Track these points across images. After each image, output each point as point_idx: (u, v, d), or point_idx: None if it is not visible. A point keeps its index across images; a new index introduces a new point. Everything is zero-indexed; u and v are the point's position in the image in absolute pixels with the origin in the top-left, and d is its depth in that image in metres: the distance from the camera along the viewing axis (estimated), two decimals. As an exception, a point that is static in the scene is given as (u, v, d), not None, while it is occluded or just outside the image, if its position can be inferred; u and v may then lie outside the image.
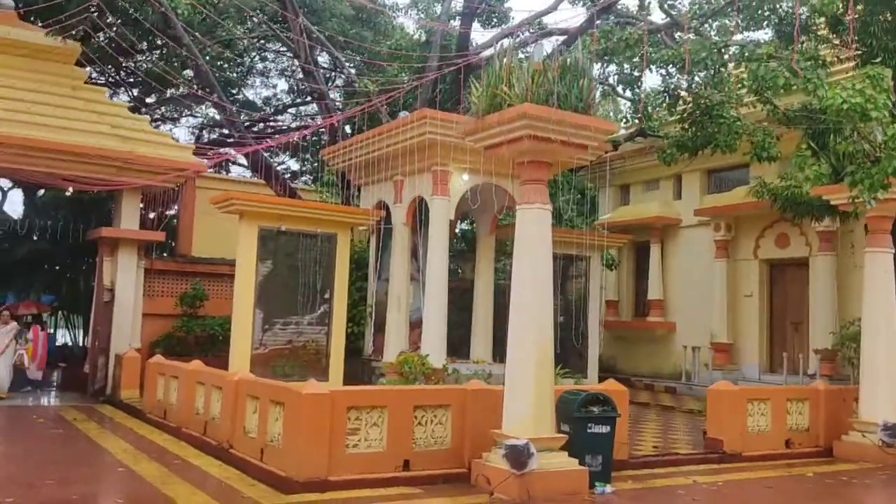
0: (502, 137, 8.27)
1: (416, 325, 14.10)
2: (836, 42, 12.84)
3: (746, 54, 11.02)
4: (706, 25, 14.28)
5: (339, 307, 13.34)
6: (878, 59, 10.72)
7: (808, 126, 12.68)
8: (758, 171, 16.16)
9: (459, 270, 21.38)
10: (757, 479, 9.52)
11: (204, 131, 28.31)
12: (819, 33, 13.05)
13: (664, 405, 16.66)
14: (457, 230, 19.77)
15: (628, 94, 19.41)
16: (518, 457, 7.73)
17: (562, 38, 16.58)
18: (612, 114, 23.10)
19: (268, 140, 18.20)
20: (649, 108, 18.74)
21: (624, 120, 21.08)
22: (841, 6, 11.15)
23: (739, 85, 14.45)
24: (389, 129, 13.07)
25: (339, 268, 13.35)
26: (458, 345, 15.06)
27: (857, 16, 12.08)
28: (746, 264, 18.16)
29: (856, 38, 12.30)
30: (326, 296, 13.30)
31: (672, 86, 12.51)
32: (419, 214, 13.77)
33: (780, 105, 13.74)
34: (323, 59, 24.24)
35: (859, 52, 12.45)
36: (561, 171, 14.76)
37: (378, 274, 15.09)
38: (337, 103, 22.33)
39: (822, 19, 12.96)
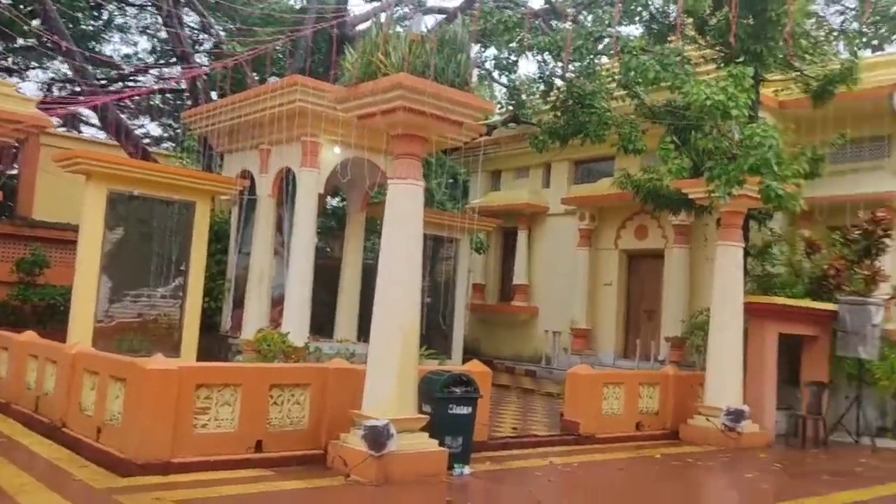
0: (376, 107, 7.94)
1: (277, 302, 13.54)
2: (702, 43, 13.36)
3: (620, 46, 11.23)
4: (582, 15, 14.48)
5: (195, 280, 12.61)
6: (740, 61, 11.19)
7: (671, 122, 13.17)
8: (622, 164, 16.66)
9: (328, 248, 20.88)
10: (609, 461, 9.77)
11: (54, 87, 26.11)
12: (687, 33, 13.52)
13: (524, 388, 16.99)
14: (326, 206, 19.25)
15: (504, 79, 19.57)
16: (377, 438, 7.49)
17: (441, 16, 16.38)
18: (487, 98, 23.07)
19: (121, 93, 16.87)
20: (524, 96, 18.99)
21: (499, 105, 21.24)
22: (708, 8, 11.57)
23: (609, 78, 14.85)
24: (257, 95, 12.40)
25: (196, 238, 12.60)
26: (322, 324, 14.64)
27: (722, 18, 12.62)
28: (607, 254, 18.76)
29: (720, 39, 12.86)
30: (182, 268, 12.52)
31: (547, 73, 12.60)
32: (286, 186, 13.19)
33: (646, 100, 14.20)
34: (191, 19, 22.90)
35: (723, 54, 13.02)
36: (434, 151, 14.64)
37: (239, 247, 14.39)
38: (203, 67, 21.15)
39: (691, 20, 13.45)
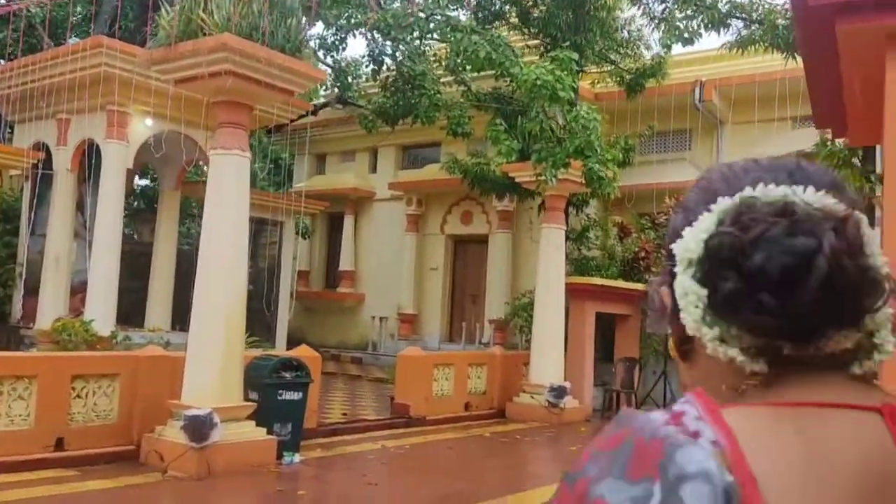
0: (198, 70, 7.28)
1: (78, 289, 12.26)
2: (525, 32, 13.69)
3: (452, 25, 11.20)
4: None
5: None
6: (563, 49, 11.53)
7: (498, 107, 13.38)
8: (449, 150, 16.79)
9: (135, 234, 19.36)
10: (440, 441, 9.74)
11: None
12: (511, 21, 13.79)
13: (351, 374, 16.68)
14: (135, 186, 17.84)
15: (329, 60, 19.07)
16: (199, 428, 6.91)
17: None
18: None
19: None
20: (350, 78, 18.60)
21: (324, 88, 20.70)
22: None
23: (437, 63, 14.87)
24: (54, 57, 11.07)
25: (-20, 217, 11.11)
26: (131, 313, 13.49)
27: (544, 9, 12.98)
28: (434, 239, 18.87)
29: (542, 30, 13.24)
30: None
31: (377, 52, 12.34)
32: (88, 160, 11.95)
33: (472, 87, 14.35)
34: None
35: (545, 43, 13.40)
36: (256, 130, 13.92)
37: (32, 228, 12.86)
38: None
39: (515, 9, 13.75)
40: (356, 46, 25.90)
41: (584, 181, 11.37)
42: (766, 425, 0.60)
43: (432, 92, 12.90)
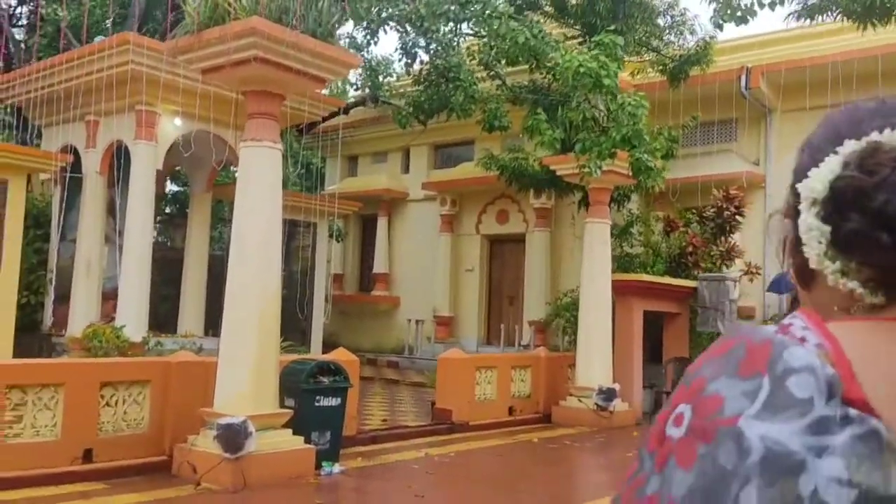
0: (225, 58, 6.88)
1: (110, 296, 11.97)
2: (562, 21, 13.15)
3: (487, 13, 10.69)
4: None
5: (8, 272, 10.85)
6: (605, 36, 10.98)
7: (535, 99, 12.85)
8: (484, 147, 16.29)
9: (168, 240, 19.16)
10: (486, 448, 9.23)
11: None
12: (547, 10, 13.27)
13: (388, 379, 16.22)
14: (167, 191, 17.60)
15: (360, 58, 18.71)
16: (234, 438, 6.49)
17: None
18: (339, 83, 22.37)
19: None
20: (381, 77, 18.23)
21: (354, 87, 20.39)
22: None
23: (471, 57, 14.40)
24: (81, 56, 10.78)
25: (10, 224, 10.85)
26: (164, 321, 13.23)
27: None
28: (469, 239, 18.38)
29: (580, 18, 12.69)
30: (-8, 256, 10.75)
31: (409, 44, 11.89)
32: (118, 163, 11.65)
33: (507, 81, 13.84)
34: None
35: (583, 32, 12.85)
36: (288, 129, 13.57)
37: (62, 234, 12.62)
38: (19, 38, 18.74)
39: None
40: (387, 44, 25.56)
41: (630, 172, 10.79)
42: (868, 335, 0.66)
43: (468, 84, 12.41)
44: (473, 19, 10.50)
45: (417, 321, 17.90)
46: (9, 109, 12.99)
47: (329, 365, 7.65)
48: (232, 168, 13.63)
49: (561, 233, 16.77)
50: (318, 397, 7.37)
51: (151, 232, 11.17)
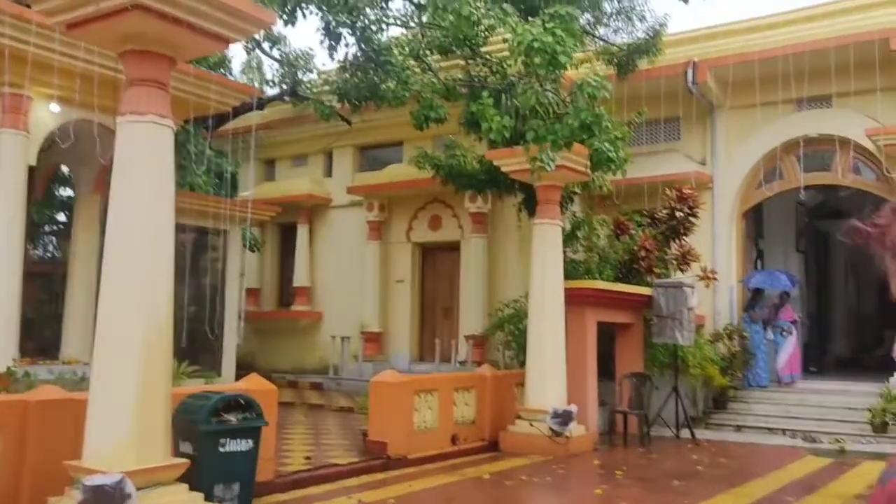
0: (95, 6, 5.29)
1: (-23, 316, 10.00)
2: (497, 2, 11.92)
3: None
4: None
5: None
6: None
7: (472, 94, 11.55)
8: (414, 148, 14.96)
9: (55, 252, 17.05)
10: (431, 490, 7.80)
11: None
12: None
13: (312, 403, 14.58)
14: (55, 194, 15.57)
15: (276, 53, 17.12)
16: (106, 503, 4.87)
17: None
18: (255, 82, 20.73)
19: None
20: (299, 73, 16.69)
21: (270, 84, 18.77)
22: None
23: (399, 49, 13.04)
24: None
25: None
26: (47, 345, 11.35)
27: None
28: (399, 247, 16.95)
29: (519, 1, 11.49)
30: None
31: (332, 24, 10.43)
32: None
33: (440, 76, 12.52)
34: None
35: (522, 16, 11.64)
36: (190, 121, 11.88)
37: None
38: None
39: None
40: (307, 34, 24.00)
41: (587, 166, 9.59)
42: None
43: (401, 67, 11.00)
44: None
45: (343, 338, 16.33)
46: None
47: (238, 399, 6.09)
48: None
49: (499, 239, 15.54)
50: (222, 441, 5.82)
51: (21, 238, 9.27)
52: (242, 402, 6.07)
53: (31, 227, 14.96)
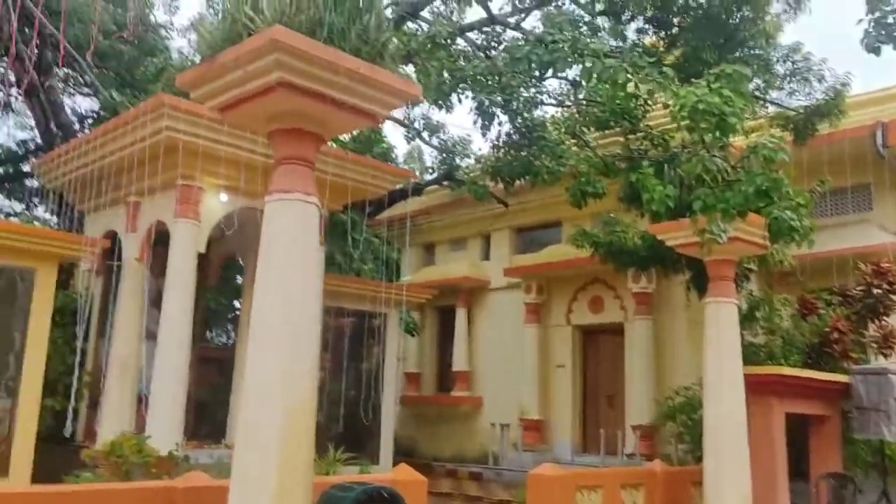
0: (243, 88, 5.35)
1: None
2: (661, 49, 11.32)
3: (578, 50, 9.00)
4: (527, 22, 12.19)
5: (31, 376, 9.44)
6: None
7: (632, 167, 10.96)
8: (569, 230, 14.47)
9: (233, 337, 17.84)
10: None
11: None
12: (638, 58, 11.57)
13: (470, 496, 13.88)
14: (229, 279, 16.37)
15: (435, 141, 17.50)
16: None
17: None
18: (417, 170, 21.33)
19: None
20: (457, 159, 16.92)
21: (430, 171, 19.21)
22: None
23: (555, 127, 12.77)
24: (116, 127, 9.62)
25: (35, 319, 9.51)
26: (220, 430, 11.65)
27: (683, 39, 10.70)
28: (559, 331, 16.29)
29: (683, 68, 10.91)
30: (10, 359, 9.40)
31: (486, 103, 10.36)
32: (160, 249, 10.30)
33: (598, 151, 12.06)
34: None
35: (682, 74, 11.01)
36: (348, 205, 12.09)
37: (104, 330, 11.28)
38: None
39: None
40: (465, 106, 24.53)
41: (765, 237, 8.64)
42: None
43: (555, 143, 10.65)
44: (560, 62, 8.78)
45: (503, 425, 15.70)
46: (51, 196, 11.99)
47: (381, 491, 5.68)
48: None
49: (666, 320, 14.51)
50: (365, 539, 5.38)
51: (189, 323, 9.61)
52: (386, 495, 5.64)
53: (207, 313, 15.81)
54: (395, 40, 5.76)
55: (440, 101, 11.37)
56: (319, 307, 5.49)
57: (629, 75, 8.32)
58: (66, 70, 16.13)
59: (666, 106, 8.62)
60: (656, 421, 13.45)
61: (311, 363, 5.26)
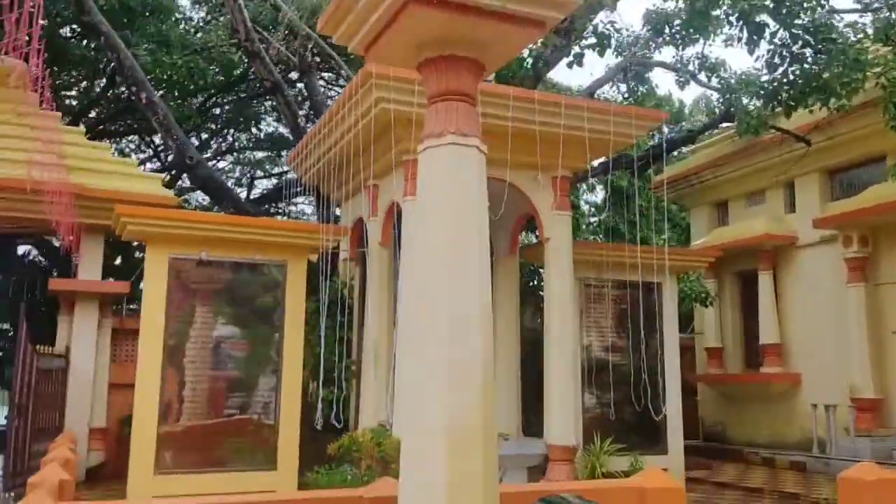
0: (377, 15, 4.38)
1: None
2: None
3: None
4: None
5: (290, 367, 9.59)
6: None
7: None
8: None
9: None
10: None
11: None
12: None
13: (784, 492, 11.53)
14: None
15: (714, 82, 15.24)
16: None
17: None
18: (687, 110, 18.93)
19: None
20: (744, 98, 14.47)
21: (711, 113, 16.91)
22: None
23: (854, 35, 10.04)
24: (338, 109, 9.29)
25: (290, 310, 9.65)
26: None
27: None
28: (893, 289, 13.11)
29: None
30: (273, 350, 9.62)
31: (747, 9, 8.22)
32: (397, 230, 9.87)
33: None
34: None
35: None
36: (610, 158, 10.64)
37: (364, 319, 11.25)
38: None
39: None
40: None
41: None
42: None
43: (849, 45, 8.17)
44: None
45: (827, 406, 13.03)
46: (308, 187, 12.24)
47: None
48: (532, 221, 11.10)
49: None
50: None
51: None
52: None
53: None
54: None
55: (711, 30, 9.40)
56: (487, 279, 4.28)
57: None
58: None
59: None
60: None
61: (483, 328, 4.17)
